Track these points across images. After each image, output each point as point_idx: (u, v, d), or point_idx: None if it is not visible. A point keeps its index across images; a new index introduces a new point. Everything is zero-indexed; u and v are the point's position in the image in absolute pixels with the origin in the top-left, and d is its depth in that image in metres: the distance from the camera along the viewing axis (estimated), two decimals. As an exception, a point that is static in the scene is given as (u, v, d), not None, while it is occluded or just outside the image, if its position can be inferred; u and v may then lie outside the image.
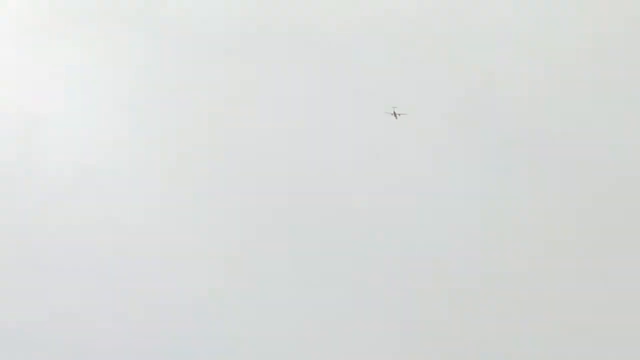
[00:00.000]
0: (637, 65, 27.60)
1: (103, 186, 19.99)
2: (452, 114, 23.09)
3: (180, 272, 21.28)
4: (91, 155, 20.56)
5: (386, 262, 22.24)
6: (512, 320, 23.48)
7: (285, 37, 23.48)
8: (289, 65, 22.55)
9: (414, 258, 21.87)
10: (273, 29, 23.76)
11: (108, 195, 20.03)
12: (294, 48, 23.11)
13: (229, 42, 22.55)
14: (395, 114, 21.15)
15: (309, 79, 22.15)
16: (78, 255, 19.80)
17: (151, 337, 20.25)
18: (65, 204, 19.49)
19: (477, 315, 23.08)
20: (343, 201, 21.56)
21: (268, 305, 21.49)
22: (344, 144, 22.37)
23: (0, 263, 19.39)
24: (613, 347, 24.69)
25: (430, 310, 22.62)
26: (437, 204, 22.30)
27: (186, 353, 20.83)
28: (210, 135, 22.25)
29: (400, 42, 23.89)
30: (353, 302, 22.17)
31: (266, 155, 22.30)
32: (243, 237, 21.48)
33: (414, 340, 22.13)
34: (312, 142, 21.38)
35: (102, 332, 19.75)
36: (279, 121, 22.28)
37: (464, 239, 22.83)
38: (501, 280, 23.50)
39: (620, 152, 26.60)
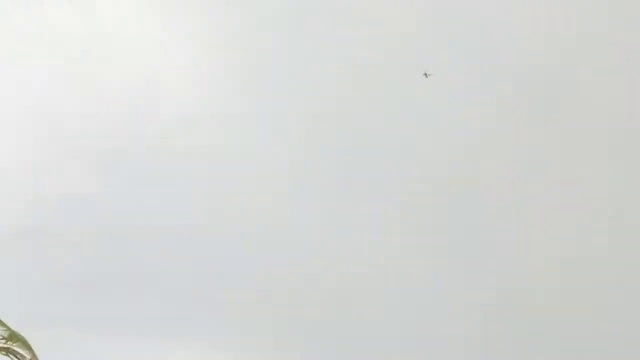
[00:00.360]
0: None
1: (207, 124, 24.34)
2: (474, 72, 25.32)
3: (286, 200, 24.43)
4: (199, 100, 24.23)
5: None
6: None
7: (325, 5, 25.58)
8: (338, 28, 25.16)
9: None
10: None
11: (211, 131, 24.17)
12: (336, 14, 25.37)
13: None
14: (425, 74, 23.78)
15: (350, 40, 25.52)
16: (191, 174, 23.69)
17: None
18: (179, 138, 23.71)
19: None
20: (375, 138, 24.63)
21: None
22: (380, 98, 25.58)
23: (131, 186, 22.75)
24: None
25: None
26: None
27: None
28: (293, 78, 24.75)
29: (431, 9, 25.71)
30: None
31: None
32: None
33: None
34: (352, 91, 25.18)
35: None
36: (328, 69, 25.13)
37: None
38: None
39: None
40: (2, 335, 8.94)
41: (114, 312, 22.22)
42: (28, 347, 8.79)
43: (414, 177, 24.86)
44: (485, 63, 25.28)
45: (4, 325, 9.03)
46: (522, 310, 23.79)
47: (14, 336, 8.92)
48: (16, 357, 8.75)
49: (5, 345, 8.75)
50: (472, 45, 25.36)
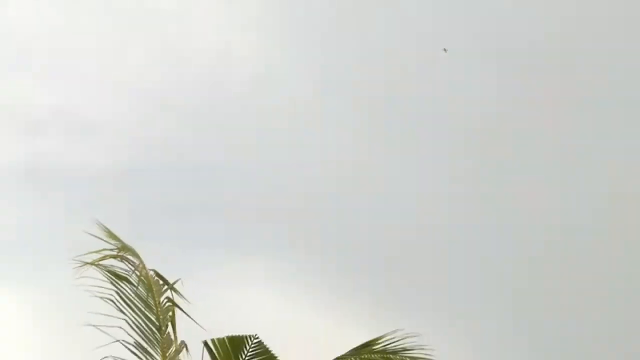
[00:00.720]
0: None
1: (272, 85, 25.84)
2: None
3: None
4: (264, 65, 25.90)
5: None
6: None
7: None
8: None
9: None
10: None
11: (275, 90, 25.83)
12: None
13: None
14: (445, 50, 24.60)
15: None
16: (255, 125, 25.79)
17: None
18: (248, 96, 25.40)
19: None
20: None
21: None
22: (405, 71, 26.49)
23: (211, 133, 24.77)
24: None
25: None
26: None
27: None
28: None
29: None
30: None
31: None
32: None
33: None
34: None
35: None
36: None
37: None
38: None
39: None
40: (116, 247, 10.28)
41: (199, 231, 24.39)
42: (137, 255, 10.16)
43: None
44: (501, 40, 25.37)
45: (117, 239, 10.37)
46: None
47: (125, 248, 10.21)
48: (128, 262, 10.14)
49: (119, 254, 10.18)
50: (488, 23, 25.55)
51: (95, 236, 9.90)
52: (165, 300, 9.98)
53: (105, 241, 9.95)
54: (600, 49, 24.67)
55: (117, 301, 9.59)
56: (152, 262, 10.38)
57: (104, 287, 9.60)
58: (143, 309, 9.69)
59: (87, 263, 9.55)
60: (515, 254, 23.19)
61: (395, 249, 23.19)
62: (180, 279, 10.22)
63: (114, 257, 9.87)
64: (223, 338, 8.66)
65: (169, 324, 9.77)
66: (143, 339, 9.51)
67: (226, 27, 25.79)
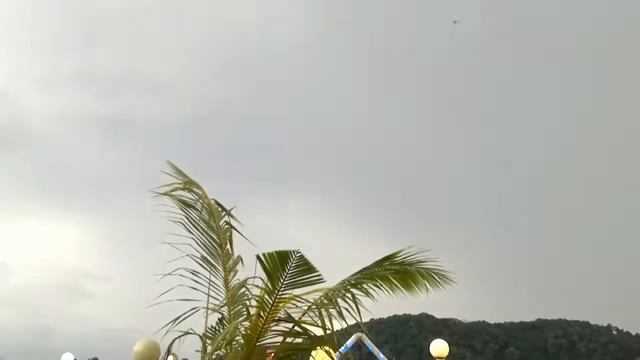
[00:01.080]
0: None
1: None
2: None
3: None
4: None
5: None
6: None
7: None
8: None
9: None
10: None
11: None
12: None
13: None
14: (455, 22, 25.02)
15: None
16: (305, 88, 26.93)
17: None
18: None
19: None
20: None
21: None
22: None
23: (260, 93, 25.69)
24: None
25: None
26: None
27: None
28: None
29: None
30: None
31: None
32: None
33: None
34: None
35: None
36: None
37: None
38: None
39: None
40: (183, 181, 11.74)
41: (250, 169, 26.13)
42: (200, 188, 11.60)
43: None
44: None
45: (184, 175, 11.85)
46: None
47: (191, 182, 11.68)
48: (194, 193, 11.56)
49: (187, 187, 11.65)
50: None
51: (167, 173, 11.43)
52: (224, 223, 11.53)
53: (174, 177, 11.50)
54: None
55: (186, 224, 11.20)
56: (213, 193, 11.93)
57: (175, 213, 11.24)
58: (207, 230, 11.28)
59: (162, 194, 11.13)
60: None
61: (407, 184, 24.30)
62: (235, 206, 11.74)
63: (182, 189, 11.43)
64: (272, 252, 10.00)
65: (228, 242, 11.33)
66: (207, 254, 11.13)
67: (268, 2, 26.85)
